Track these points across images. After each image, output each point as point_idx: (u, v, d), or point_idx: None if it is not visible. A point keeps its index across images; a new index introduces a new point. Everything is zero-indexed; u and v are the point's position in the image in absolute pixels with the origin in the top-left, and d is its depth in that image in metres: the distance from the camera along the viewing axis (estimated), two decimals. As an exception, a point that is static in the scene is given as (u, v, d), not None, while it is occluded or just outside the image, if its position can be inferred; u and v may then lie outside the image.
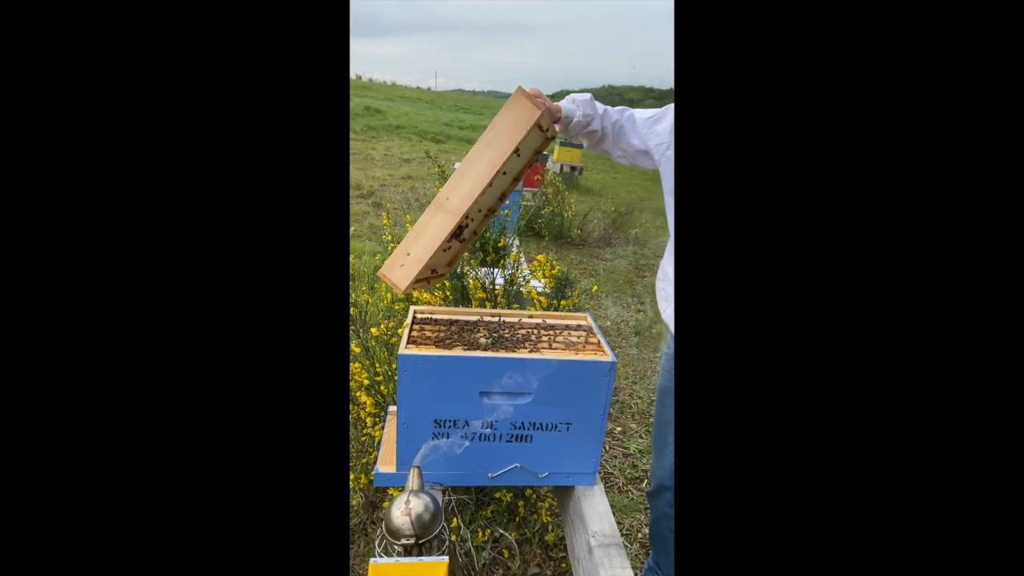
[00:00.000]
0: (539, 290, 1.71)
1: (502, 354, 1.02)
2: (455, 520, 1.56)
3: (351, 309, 1.54)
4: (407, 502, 0.79)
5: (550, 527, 1.68)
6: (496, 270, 1.58)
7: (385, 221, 2.53)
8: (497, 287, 1.60)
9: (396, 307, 1.70)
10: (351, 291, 1.66)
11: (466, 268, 1.47)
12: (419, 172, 7.03)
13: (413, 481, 0.83)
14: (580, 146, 7.80)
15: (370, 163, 7.51)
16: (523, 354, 1.03)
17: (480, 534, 1.56)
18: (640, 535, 1.78)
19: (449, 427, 1.05)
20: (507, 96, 0.98)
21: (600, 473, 1.45)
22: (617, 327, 3.47)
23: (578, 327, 1.20)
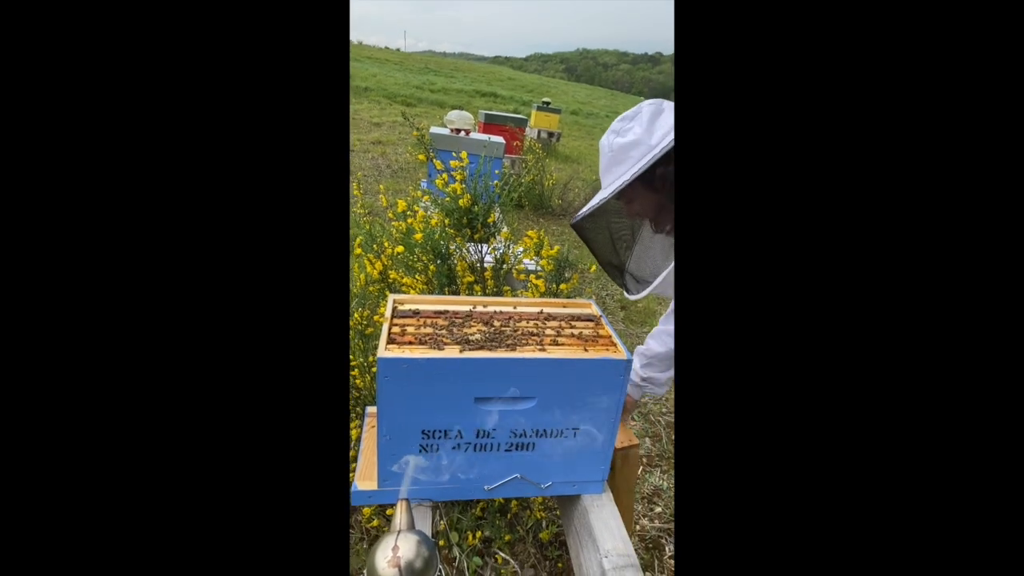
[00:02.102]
0: (531, 269, 1.54)
1: (502, 354, 0.86)
2: (442, 523, 1.42)
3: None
4: (395, 548, 0.64)
5: (544, 523, 1.56)
6: (485, 247, 1.40)
7: (356, 191, 2.30)
8: (486, 266, 1.43)
9: (371, 289, 1.51)
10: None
11: (452, 247, 1.29)
12: (390, 137, 6.69)
13: (401, 518, 0.68)
14: (557, 111, 7.53)
15: (338, 127, 7.10)
16: (528, 353, 0.87)
17: (471, 536, 1.43)
18: (639, 527, 1.68)
19: (439, 438, 0.90)
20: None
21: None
22: (602, 301, 3.35)
23: (583, 316, 1.04)
